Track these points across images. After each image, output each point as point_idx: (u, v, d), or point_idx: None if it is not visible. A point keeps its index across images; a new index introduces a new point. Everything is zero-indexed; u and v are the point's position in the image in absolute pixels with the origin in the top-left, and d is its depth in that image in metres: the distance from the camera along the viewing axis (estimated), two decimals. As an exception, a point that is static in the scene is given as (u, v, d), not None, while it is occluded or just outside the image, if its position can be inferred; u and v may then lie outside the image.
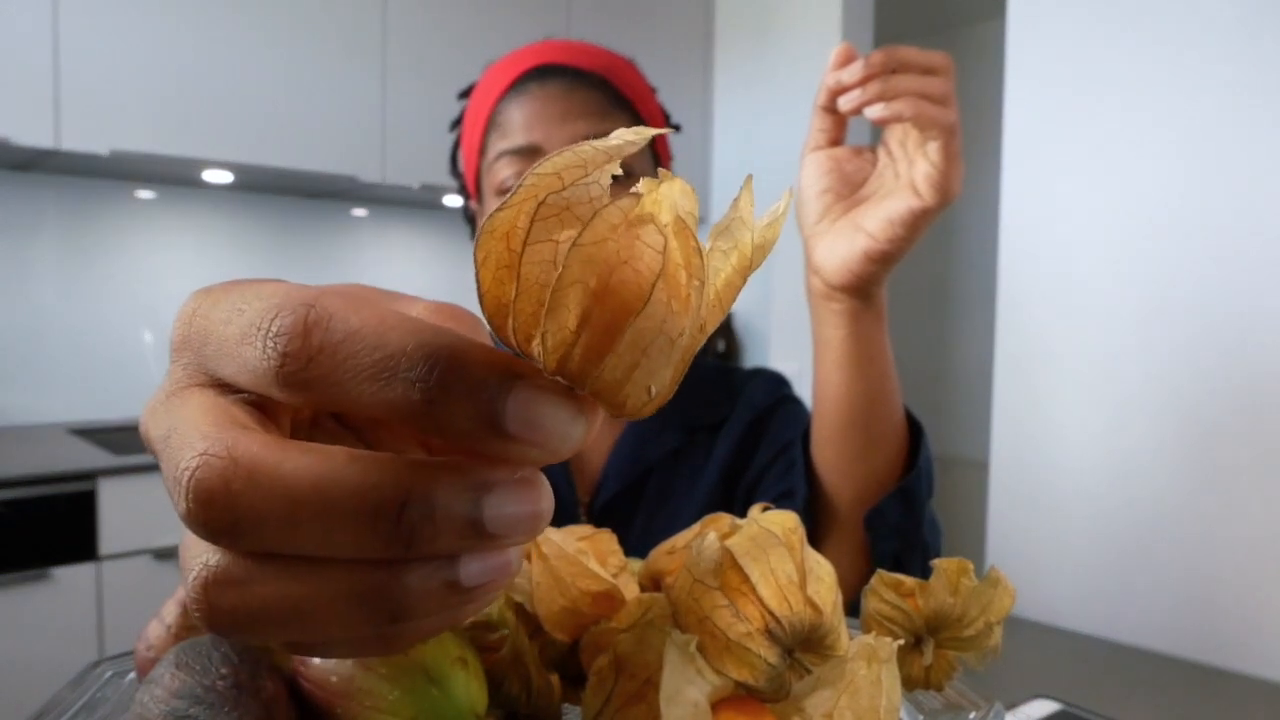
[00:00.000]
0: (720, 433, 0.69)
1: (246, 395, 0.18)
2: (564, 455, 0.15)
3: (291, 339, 0.15)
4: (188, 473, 0.15)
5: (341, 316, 0.15)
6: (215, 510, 0.14)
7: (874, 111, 0.49)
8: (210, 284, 0.19)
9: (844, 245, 0.51)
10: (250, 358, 0.16)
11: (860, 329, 0.53)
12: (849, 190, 0.53)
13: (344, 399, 0.15)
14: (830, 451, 0.57)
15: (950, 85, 0.49)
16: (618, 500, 0.67)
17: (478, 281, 0.15)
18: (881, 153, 0.53)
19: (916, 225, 0.49)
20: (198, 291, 0.18)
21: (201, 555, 0.16)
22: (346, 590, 0.15)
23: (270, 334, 0.15)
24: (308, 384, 0.15)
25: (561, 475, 0.68)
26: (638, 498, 0.68)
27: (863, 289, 0.52)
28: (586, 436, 0.15)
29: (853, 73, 0.49)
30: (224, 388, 0.18)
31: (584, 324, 0.14)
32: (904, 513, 0.55)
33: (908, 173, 0.50)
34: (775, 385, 0.72)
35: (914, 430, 0.58)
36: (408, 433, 0.22)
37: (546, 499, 0.16)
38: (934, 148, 0.48)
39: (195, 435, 0.15)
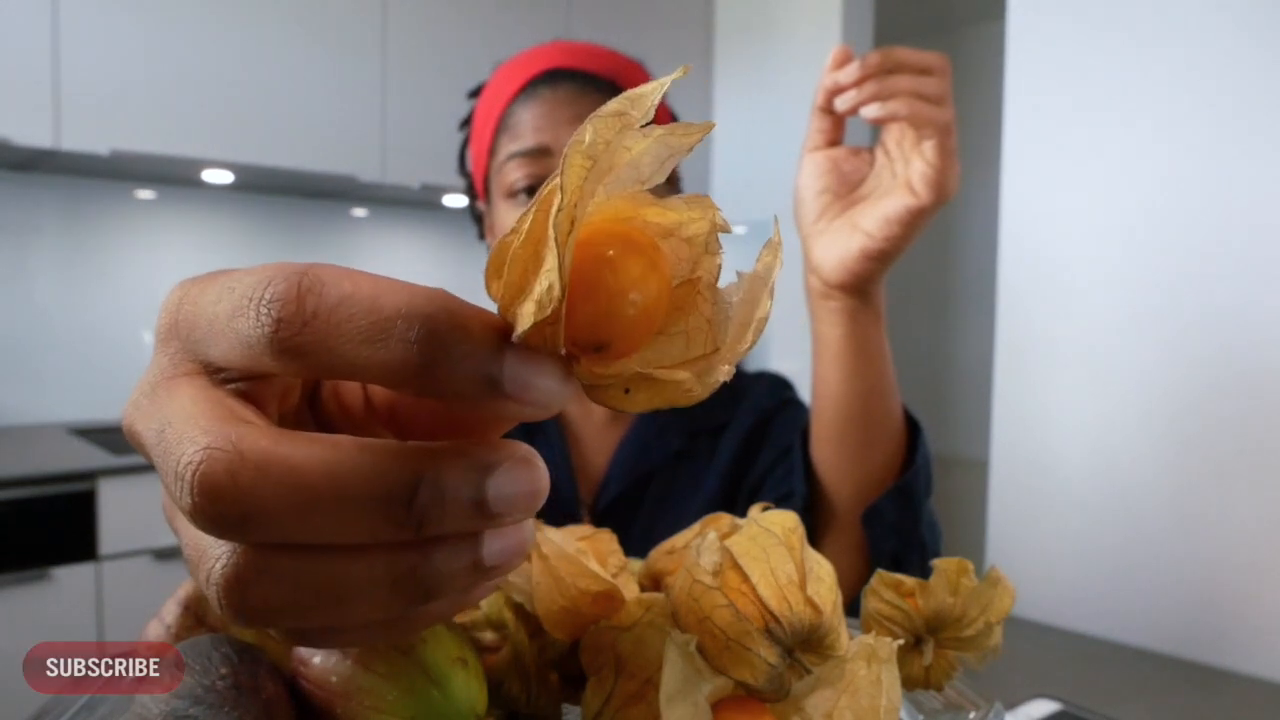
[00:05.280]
0: (723, 435, 0.69)
1: (237, 385, 0.18)
2: (553, 412, 0.16)
3: (285, 304, 0.15)
4: (190, 467, 0.15)
5: (334, 281, 0.15)
6: (223, 504, 0.14)
7: (870, 111, 0.49)
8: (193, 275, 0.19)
9: (841, 244, 0.51)
10: (243, 329, 0.15)
11: (858, 327, 0.54)
12: (847, 190, 0.53)
13: (339, 364, 0.15)
14: (829, 450, 0.57)
15: (946, 85, 0.49)
16: (620, 501, 0.67)
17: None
18: (879, 153, 0.53)
19: (913, 224, 0.49)
20: (183, 281, 0.18)
21: (219, 549, 0.15)
22: (381, 573, 0.15)
23: (264, 301, 0.15)
24: (302, 350, 0.15)
25: (565, 475, 0.68)
26: (640, 499, 0.68)
27: (860, 287, 0.52)
28: (572, 396, 0.16)
29: (849, 73, 0.50)
30: (214, 374, 0.17)
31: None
32: (902, 511, 0.55)
33: (904, 172, 0.50)
34: (779, 388, 0.72)
35: (913, 429, 0.58)
36: (382, 419, 0.22)
37: (543, 477, 0.16)
38: (929, 147, 0.48)
39: (194, 429, 0.15)
